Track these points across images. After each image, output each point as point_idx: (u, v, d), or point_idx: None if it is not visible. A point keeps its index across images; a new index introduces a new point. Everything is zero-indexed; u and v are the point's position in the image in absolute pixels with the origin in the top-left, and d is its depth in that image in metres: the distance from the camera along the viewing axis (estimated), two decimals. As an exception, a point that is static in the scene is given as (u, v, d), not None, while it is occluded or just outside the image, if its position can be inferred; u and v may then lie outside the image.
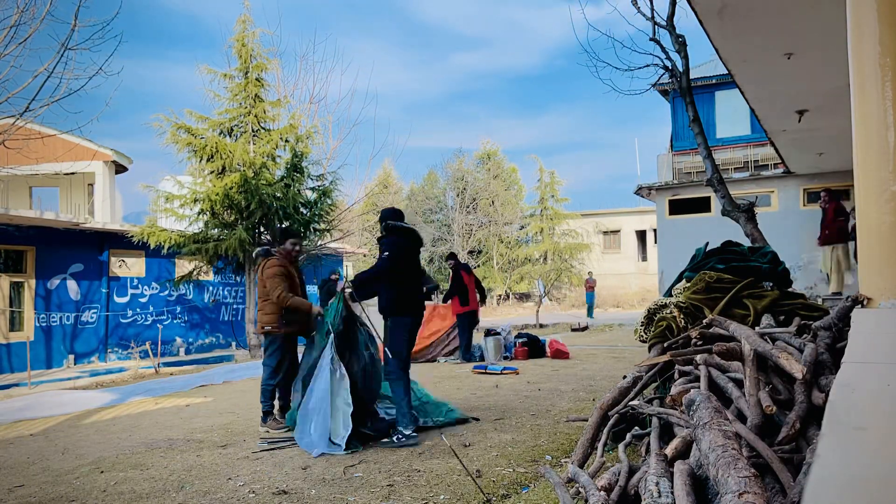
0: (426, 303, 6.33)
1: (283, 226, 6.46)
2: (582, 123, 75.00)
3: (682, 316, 4.55)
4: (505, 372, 8.52)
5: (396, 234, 5.28)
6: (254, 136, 14.73)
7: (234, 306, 18.93)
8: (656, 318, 4.70)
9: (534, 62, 75.25)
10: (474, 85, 71.84)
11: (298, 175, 15.04)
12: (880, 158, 3.00)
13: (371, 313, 5.38)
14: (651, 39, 10.89)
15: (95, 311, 15.62)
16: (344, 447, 4.61)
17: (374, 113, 76.84)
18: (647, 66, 11.03)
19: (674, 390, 3.22)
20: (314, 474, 4.11)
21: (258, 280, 5.78)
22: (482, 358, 9.88)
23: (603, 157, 71.77)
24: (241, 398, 7.52)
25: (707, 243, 5.58)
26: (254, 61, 14.86)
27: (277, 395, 5.69)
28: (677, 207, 16.92)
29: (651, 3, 10.91)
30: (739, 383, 2.97)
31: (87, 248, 15.45)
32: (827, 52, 7.09)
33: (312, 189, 15.54)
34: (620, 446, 3.20)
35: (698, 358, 3.30)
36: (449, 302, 10.47)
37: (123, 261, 16.38)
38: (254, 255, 5.73)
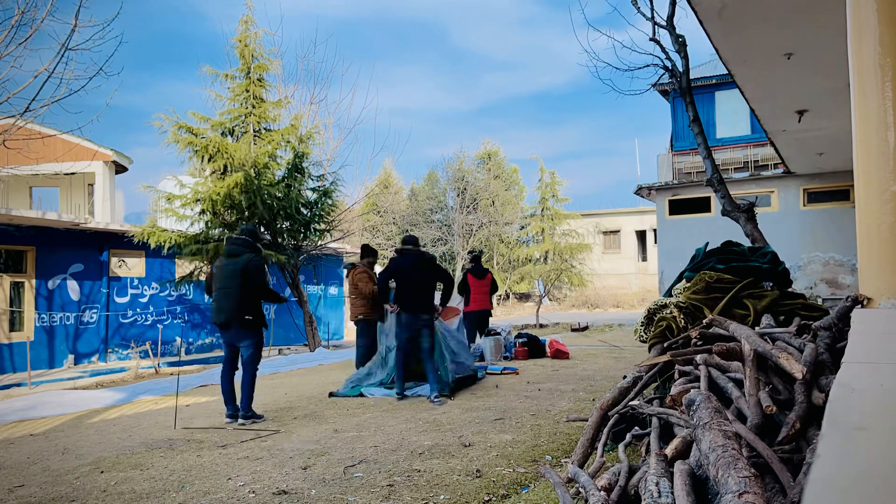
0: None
1: (364, 243, 8.72)
2: (592, 133, 78.26)
3: (682, 316, 4.55)
4: (505, 372, 8.52)
5: (398, 254, 7.22)
6: (255, 136, 14.73)
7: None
8: (656, 318, 4.69)
9: (559, 82, 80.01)
10: (502, 101, 75.91)
11: (299, 175, 15.05)
12: (880, 158, 3.00)
13: None
14: (651, 40, 10.90)
15: (96, 311, 15.62)
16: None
17: (375, 114, 78.93)
18: (647, 66, 11.05)
19: (674, 390, 3.22)
20: (314, 474, 4.11)
21: (350, 283, 8.07)
22: (482, 358, 9.88)
23: (607, 162, 74.18)
24: (242, 398, 7.51)
25: (707, 243, 5.58)
26: (255, 62, 14.87)
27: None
28: (677, 207, 16.92)
29: (651, 3, 10.92)
30: (739, 383, 2.97)
31: (88, 249, 15.44)
32: (827, 52, 7.09)
33: (313, 189, 15.54)
34: (620, 446, 3.20)
35: (698, 358, 3.30)
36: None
37: (124, 261, 16.37)
38: (344, 266, 7.78)
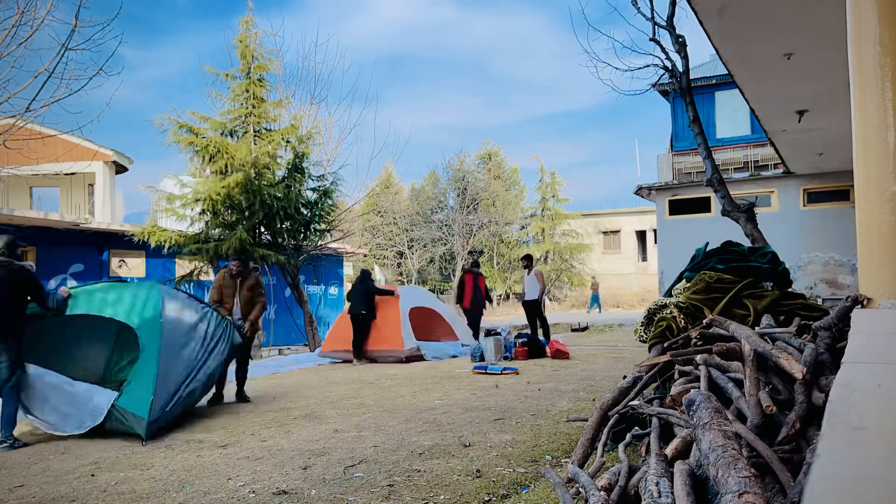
0: None
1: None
2: (600, 143, 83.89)
3: (682, 316, 4.55)
4: (505, 372, 8.52)
5: None
6: (255, 136, 14.74)
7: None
8: (656, 318, 4.69)
9: (584, 101, 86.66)
10: (529, 117, 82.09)
11: (299, 175, 15.06)
12: (880, 158, 3.00)
13: None
14: (651, 40, 10.91)
15: (96, 311, 15.61)
16: None
17: (375, 114, 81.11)
18: (647, 66, 11.06)
19: (674, 390, 3.22)
20: (314, 474, 4.11)
21: None
22: (482, 358, 9.88)
23: (611, 169, 78.47)
24: (242, 398, 7.51)
25: (707, 243, 5.57)
26: (256, 62, 14.88)
27: None
28: (677, 207, 16.92)
29: (651, 3, 10.93)
30: (739, 383, 2.97)
31: (88, 249, 15.45)
32: (827, 52, 7.10)
33: (313, 189, 15.55)
34: (620, 446, 3.20)
35: (698, 358, 3.30)
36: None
37: (124, 261, 16.37)
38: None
